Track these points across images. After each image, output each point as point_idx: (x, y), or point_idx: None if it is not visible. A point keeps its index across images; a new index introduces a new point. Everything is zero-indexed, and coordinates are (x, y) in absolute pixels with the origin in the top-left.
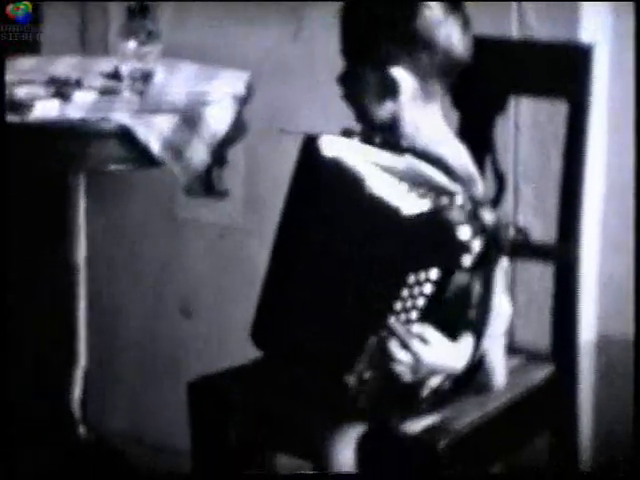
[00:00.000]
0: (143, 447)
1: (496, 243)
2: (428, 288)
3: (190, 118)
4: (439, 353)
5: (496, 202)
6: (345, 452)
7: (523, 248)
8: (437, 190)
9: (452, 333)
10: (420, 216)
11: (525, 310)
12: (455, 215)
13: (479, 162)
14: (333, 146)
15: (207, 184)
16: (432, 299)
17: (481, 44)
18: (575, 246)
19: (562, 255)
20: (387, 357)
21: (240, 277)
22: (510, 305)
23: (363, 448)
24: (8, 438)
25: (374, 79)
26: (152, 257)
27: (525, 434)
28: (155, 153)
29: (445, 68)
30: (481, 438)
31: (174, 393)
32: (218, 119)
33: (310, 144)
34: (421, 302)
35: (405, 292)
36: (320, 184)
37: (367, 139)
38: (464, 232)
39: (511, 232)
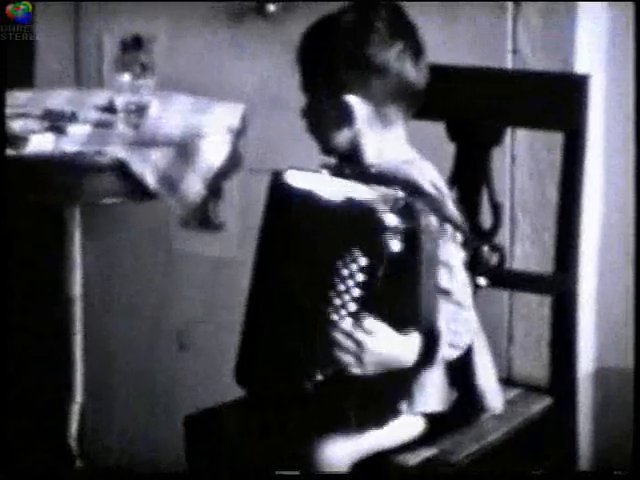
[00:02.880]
0: (138, 477)
1: (428, 229)
2: (360, 277)
3: (185, 151)
4: (385, 343)
5: (492, 233)
6: (338, 468)
7: (520, 279)
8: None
9: (398, 325)
10: (346, 203)
11: (523, 342)
12: (380, 204)
13: (475, 193)
14: (298, 180)
15: (202, 217)
16: (366, 288)
17: (477, 75)
18: (573, 277)
19: (560, 286)
20: (334, 350)
21: (235, 310)
22: (475, 316)
23: (361, 478)
24: (6, 472)
25: (330, 108)
26: (147, 290)
27: (524, 466)
28: (150, 186)
29: (400, 93)
30: (479, 470)
31: (170, 427)
32: (213, 152)
33: (276, 179)
34: (357, 292)
35: (341, 286)
36: (286, 215)
37: (336, 171)
38: (389, 218)
39: (485, 251)
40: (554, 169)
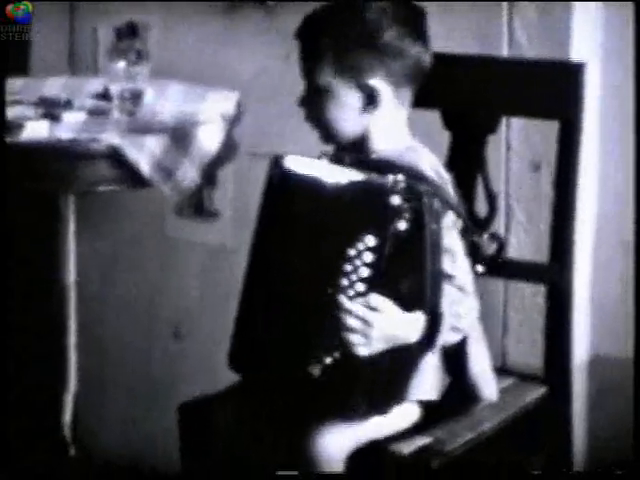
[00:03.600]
0: (134, 469)
1: (432, 210)
2: (368, 257)
3: (180, 138)
4: (390, 319)
5: (488, 222)
6: (334, 456)
7: (515, 268)
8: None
9: (403, 304)
10: (351, 186)
11: (518, 331)
12: (384, 184)
13: (470, 182)
14: (298, 164)
15: (197, 204)
16: (374, 267)
17: (472, 63)
18: (567, 266)
19: (554, 275)
20: (341, 331)
21: (231, 297)
22: (477, 301)
23: (355, 467)
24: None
25: (350, 94)
26: (142, 278)
27: (518, 455)
28: (145, 173)
29: (414, 74)
30: (473, 459)
31: (165, 415)
32: (208, 139)
33: (276, 163)
34: (365, 272)
35: (348, 266)
36: (285, 201)
37: (336, 159)
38: (394, 199)
39: (486, 240)
40: (549, 158)
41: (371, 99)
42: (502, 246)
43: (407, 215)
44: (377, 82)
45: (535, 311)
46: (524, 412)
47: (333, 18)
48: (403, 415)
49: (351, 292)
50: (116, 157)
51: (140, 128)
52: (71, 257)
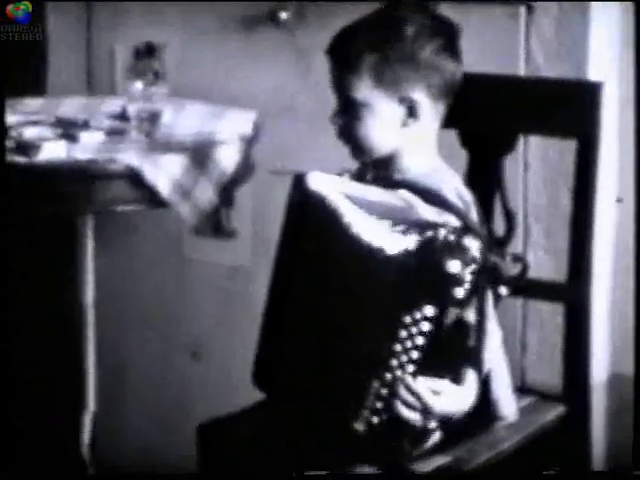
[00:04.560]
0: None
1: (485, 271)
2: (425, 326)
3: (198, 158)
4: (449, 400)
5: (506, 241)
6: None
7: (533, 287)
8: (420, 225)
9: (455, 369)
10: (407, 253)
11: (537, 349)
12: (442, 248)
13: (488, 201)
14: (320, 183)
15: (215, 224)
16: (431, 336)
17: (489, 82)
18: (586, 284)
19: (573, 294)
20: (397, 406)
21: (249, 318)
22: (500, 330)
23: None
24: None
25: (390, 107)
26: (160, 298)
27: (537, 474)
28: (163, 193)
29: (450, 88)
30: (492, 478)
31: (183, 436)
32: (226, 159)
33: (298, 182)
34: (420, 341)
35: (403, 333)
36: (307, 221)
37: (358, 176)
38: (454, 265)
39: (509, 262)
40: (567, 176)
41: (411, 112)
42: (525, 268)
43: (466, 284)
44: (417, 95)
45: (554, 330)
46: (543, 431)
47: (371, 32)
48: None
49: (404, 358)
50: (134, 177)
51: (158, 148)
52: (89, 277)
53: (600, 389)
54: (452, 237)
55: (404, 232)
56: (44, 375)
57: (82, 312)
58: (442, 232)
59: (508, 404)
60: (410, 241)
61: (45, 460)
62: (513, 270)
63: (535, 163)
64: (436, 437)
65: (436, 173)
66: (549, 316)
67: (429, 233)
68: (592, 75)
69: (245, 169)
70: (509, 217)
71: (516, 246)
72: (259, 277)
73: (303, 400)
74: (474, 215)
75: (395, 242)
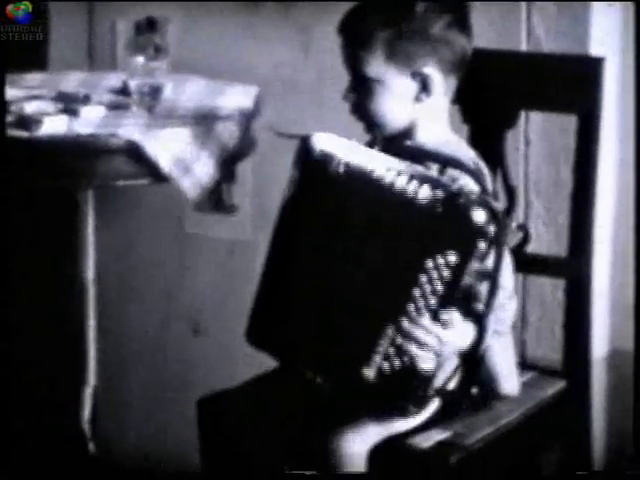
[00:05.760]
0: (152, 465)
1: (504, 228)
2: (446, 273)
3: (199, 133)
4: (460, 334)
5: (507, 216)
6: (357, 456)
7: (534, 262)
8: (439, 183)
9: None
10: (433, 201)
11: (537, 325)
12: (468, 200)
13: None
14: (329, 142)
15: (216, 199)
16: (450, 284)
17: (491, 58)
18: (587, 260)
19: (573, 269)
20: (411, 345)
21: (249, 293)
22: (516, 303)
23: (374, 462)
24: (18, 456)
25: (403, 82)
26: (161, 273)
27: (537, 449)
28: (164, 168)
29: (461, 63)
30: (492, 453)
31: (183, 411)
32: (227, 134)
33: (306, 142)
34: (440, 287)
35: (424, 278)
36: (317, 178)
37: (370, 144)
38: (479, 215)
39: (512, 229)
40: (568, 152)
41: (424, 87)
42: (527, 237)
43: (489, 235)
44: (429, 70)
45: (554, 305)
46: (543, 406)
47: (383, 9)
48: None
49: (422, 303)
50: (135, 152)
51: (159, 123)
52: (90, 252)
53: (600, 364)
54: (477, 192)
55: (422, 183)
56: (45, 351)
57: (83, 287)
58: (469, 184)
59: (510, 379)
60: (436, 191)
61: (46, 443)
62: (514, 240)
63: (536, 139)
64: (435, 406)
65: (451, 144)
66: (550, 291)
67: (454, 186)
68: (593, 51)
69: (246, 144)
70: (510, 192)
71: (517, 221)
72: (260, 252)
73: (308, 354)
74: (489, 186)
75: (421, 190)
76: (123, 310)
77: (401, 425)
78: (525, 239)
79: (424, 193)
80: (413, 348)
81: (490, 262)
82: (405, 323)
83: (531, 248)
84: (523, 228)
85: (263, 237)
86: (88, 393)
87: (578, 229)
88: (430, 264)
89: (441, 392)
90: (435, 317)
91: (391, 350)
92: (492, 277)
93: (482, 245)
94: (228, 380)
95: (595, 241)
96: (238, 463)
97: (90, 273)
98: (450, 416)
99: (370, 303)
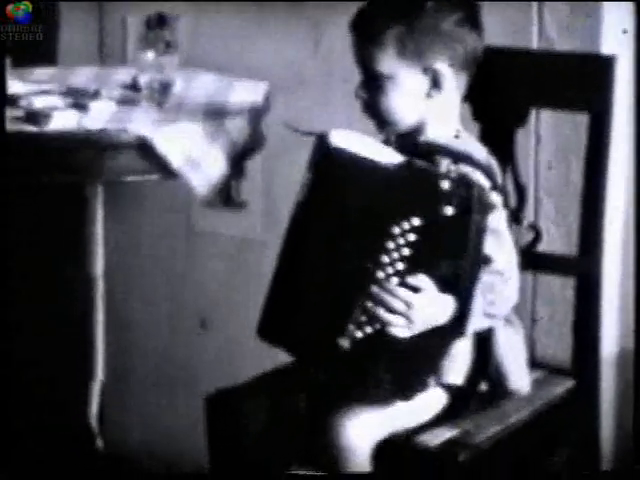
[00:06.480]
0: (158, 461)
1: (481, 200)
2: (411, 236)
3: (209, 129)
4: (429, 300)
5: (517, 214)
6: (361, 446)
7: (544, 260)
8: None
9: (437, 287)
10: (400, 166)
11: (546, 324)
12: (435, 167)
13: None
14: (346, 139)
15: (225, 195)
16: (416, 247)
17: (502, 56)
18: (596, 258)
19: (583, 268)
20: (380, 310)
21: (257, 288)
22: (515, 291)
23: (381, 460)
24: (26, 451)
25: (415, 79)
26: (169, 269)
27: (545, 448)
28: (173, 164)
29: (472, 60)
30: (501, 451)
31: (190, 407)
32: (237, 130)
33: (323, 139)
34: (407, 252)
35: (390, 244)
36: (334, 175)
37: (384, 141)
38: (445, 183)
39: (524, 228)
40: (579, 150)
41: (435, 82)
42: (538, 236)
43: (455, 201)
44: (440, 65)
45: (564, 304)
46: (552, 405)
47: (394, 5)
48: (430, 404)
49: (390, 269)
50: (144, 147)
51: (169, 118)
52: (99, 248)
53: (610, 363)
54: (456, 171)
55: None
56: (52, 347)
57: (91, 282)
58: (445, 162)
59: (520, 377)
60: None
61: (48, 442)
62: (525, 239)
63: (547, 137)
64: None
65: (463, 140)
66: (559, 290)
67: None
68: (605, 49)
69: (256, 140)
70: (520, 190)
71: (527, 219)
72: (268, 249)
73: (305, 346)
74: (500, 179)
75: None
76: (131, 305)
77: (406, 420)
78: (536, 238)
79: (397, 159)
80: (382, 313)
81: (470, 233)
82: (374, 288)
83: (541, 247)
84: (534, 228)
85: (272, 234)
86: (96, 388)
87: (588, 228)
88: (396, 230)
89: (449, 387)
90: (403, 282)
91: (363, 318)
92: (469, 248)
93: (448, 210)
94: (236, 376)
95: (605, 240)
96: (246, 460)
97: (98, 268)
98: (458, 413)
99: (348, 273)
